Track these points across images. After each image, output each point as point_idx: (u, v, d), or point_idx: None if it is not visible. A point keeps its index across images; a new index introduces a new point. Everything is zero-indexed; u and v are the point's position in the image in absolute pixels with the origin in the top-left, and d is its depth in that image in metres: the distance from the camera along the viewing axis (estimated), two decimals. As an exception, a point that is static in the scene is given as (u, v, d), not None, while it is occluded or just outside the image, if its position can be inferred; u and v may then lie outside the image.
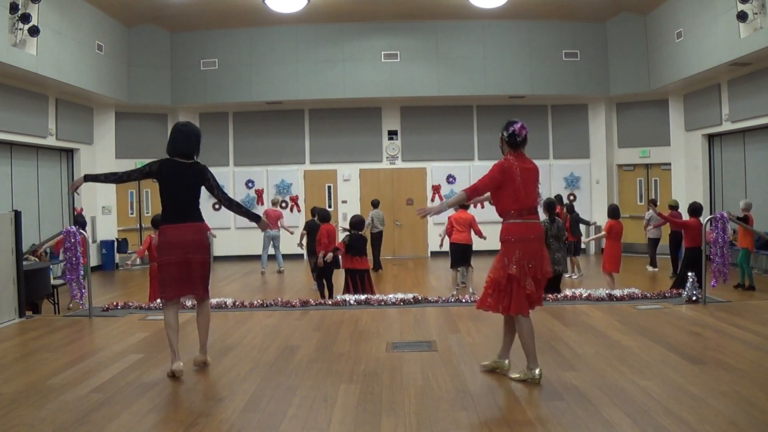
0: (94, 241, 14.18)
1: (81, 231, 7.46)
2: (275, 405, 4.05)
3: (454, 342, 5.56)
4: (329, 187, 16.29)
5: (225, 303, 7.65)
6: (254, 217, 5.10)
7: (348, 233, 8.44)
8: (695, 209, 8.92)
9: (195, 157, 4.85)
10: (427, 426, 3.59)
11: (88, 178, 4.95)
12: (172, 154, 4.79)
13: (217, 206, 15.79)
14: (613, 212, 9.39)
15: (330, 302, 7.80)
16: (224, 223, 15.43)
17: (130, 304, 7.85)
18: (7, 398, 4.17)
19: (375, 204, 14.02)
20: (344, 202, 16.14)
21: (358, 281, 8.26)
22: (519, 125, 4.38)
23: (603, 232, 9.52)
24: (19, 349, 5.78)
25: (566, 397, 4.02)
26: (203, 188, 4.85)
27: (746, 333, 5.56)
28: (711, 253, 7.43)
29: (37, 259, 9.90)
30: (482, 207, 8.18)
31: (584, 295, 7.51)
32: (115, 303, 7.86)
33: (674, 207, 11.57)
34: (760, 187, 12.29)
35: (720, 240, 7.34)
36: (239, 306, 7.64)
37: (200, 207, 4.87)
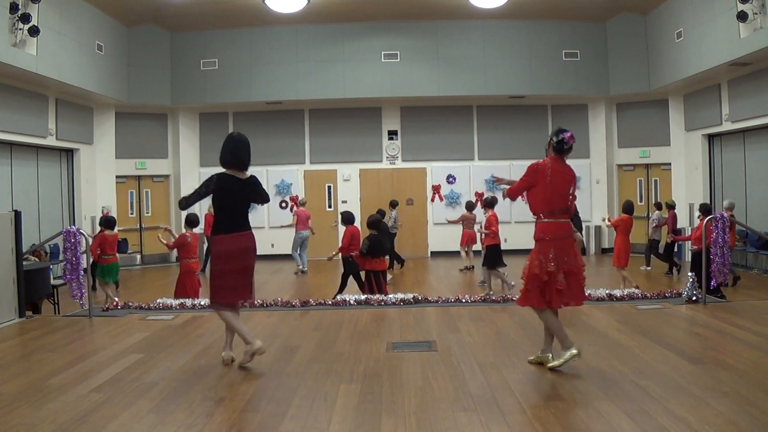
0: (94, 241, 14.15)
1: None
2: (275, 405, 4.05)
3: (454, 342, 5.56)
4: (329, 187, 16.28)
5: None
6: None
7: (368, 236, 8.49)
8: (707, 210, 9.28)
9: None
10: (427, 426, 3.60)
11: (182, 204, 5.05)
12: (232, 166, 4.94)
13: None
14: (628, 208, 9.83)
15: (330, 302, 7.79)
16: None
17: (130, 304, 7.85)
18: (7, 398, 4.18)
19: (394, 204, 14.08)
20: (344, 202, 16.11)
21: (373, 281, 8.29)
22: (569, 134, 4.68)
23: (607, 223, 10.22)
24: (19, 349, 5.79)
25: (566, 397, 4.02)
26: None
27: (746, 333, 5.56)
28: (711, 254, 7.44)
29: (37, 259, 9.91)
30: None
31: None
32: (115, 303, 7.86)
33: (672, 207, 11.85)
34: (760, 187, 12.28)
35: (720, 240, 7.34)
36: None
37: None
